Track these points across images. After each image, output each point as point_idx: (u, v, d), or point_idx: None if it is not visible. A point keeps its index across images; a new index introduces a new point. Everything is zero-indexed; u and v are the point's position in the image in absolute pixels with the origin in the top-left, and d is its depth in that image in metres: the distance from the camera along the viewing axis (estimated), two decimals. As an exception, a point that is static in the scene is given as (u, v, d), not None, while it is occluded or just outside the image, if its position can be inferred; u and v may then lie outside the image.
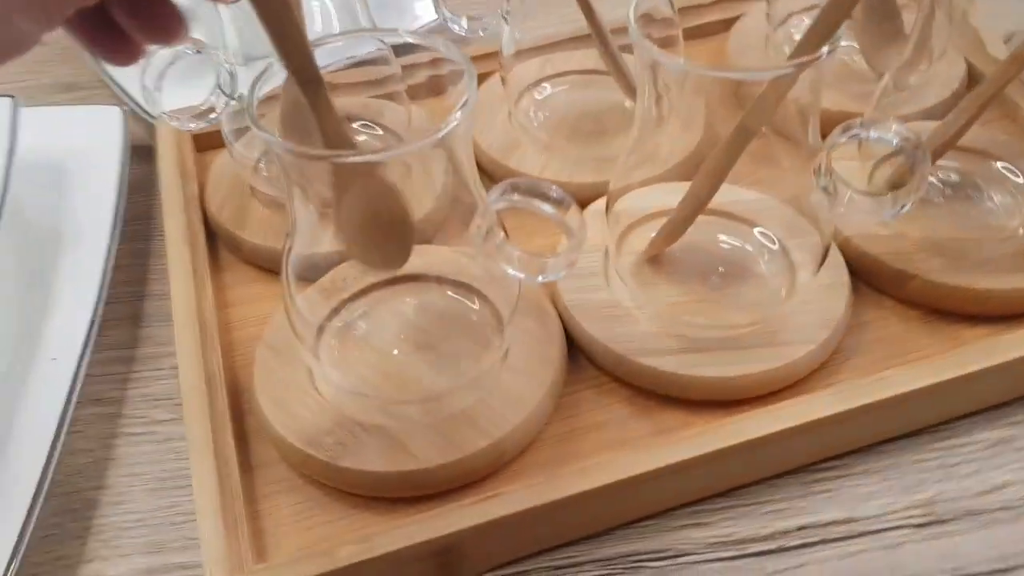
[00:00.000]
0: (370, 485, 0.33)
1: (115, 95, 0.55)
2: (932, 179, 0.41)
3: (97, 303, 0.40)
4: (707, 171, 0.34)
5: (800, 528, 0.34)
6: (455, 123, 0.28)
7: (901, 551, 0.33)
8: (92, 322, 0.40)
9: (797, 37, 0.32)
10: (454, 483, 0.33)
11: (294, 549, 0.33)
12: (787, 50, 0.51)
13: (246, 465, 0.35)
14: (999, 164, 0.42)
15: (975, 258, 0.39)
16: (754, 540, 0.34)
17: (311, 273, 0.34)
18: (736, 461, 0.34)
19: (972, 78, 0.48)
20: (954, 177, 0.42)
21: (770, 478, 0.35)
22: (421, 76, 0.49)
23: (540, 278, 0.31)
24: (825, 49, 0.29)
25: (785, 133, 0.35)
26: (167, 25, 0.25)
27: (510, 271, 0.31)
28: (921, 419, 0.36)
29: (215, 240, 0.45)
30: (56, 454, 0.35)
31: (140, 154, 0.52)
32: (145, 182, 0.51)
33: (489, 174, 0.47)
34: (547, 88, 0.48)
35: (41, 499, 0.34)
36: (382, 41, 0.41)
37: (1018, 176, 0.41)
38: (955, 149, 0.40)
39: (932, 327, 0.39)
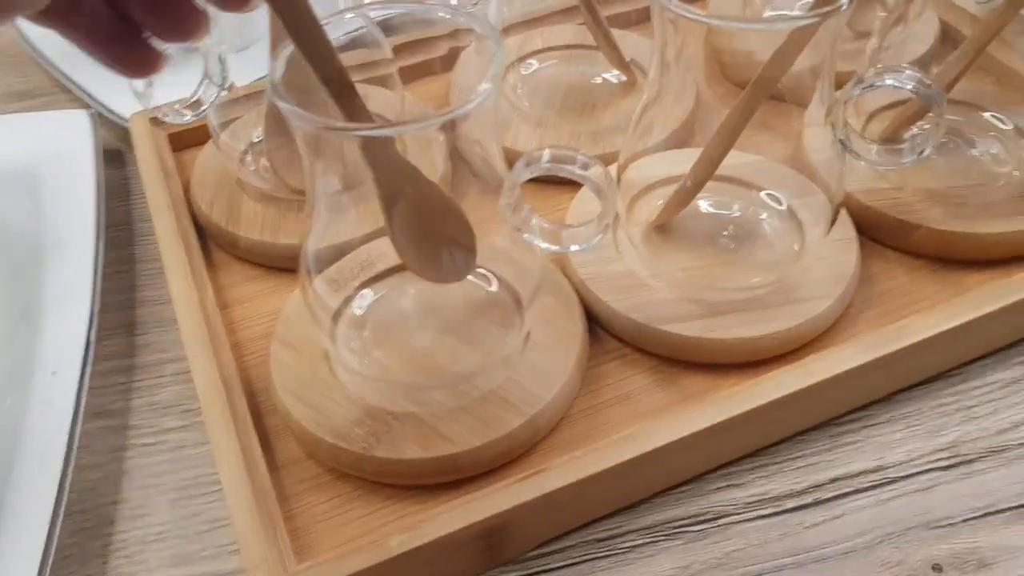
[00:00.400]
0: (408, 473, 0.33)
1: (78, 99, 0.53)
2: (917, 130, 0.42)
3: (92, 312, 0.39)
4: (722, 132, 0.34)
5: (833, 480, 0.34)
6: (486, 94, 0.27)
7: (933, 493, 0.34)
8: (90, 332, 0.38)
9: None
10: (494, 463, 0.33)
11: (334, 545, 0.32)
12: (766, 14, 0.52)
13: (272, 465, 0.34)
14: (987, 114, 0.43)
15: (975, 205, 0.40)
16: (790, 496, 0.34)
17: (332, 259, 0.33)
18: (765, 420, 0.34)
19: (945, 34, 0.49)
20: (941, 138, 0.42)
21: (798, 434, 0.36)
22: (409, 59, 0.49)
23: (573, 247, 0.31)
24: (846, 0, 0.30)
25: (793, 93, 0.35)
26: (189, 22, 0.24)
27: (541, 244, 0.31)
28: (937, 364, 0.37)
29: (205, 239, 0.44)
30: (69, 472, 0.34)
31: (109, 158, 0.50)
32: (119, 187, 0.50)
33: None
34: (533, 64, 0.48)
35: (60, 520, 0.32)
36: (367, 18, 0.40)
37: (1006, 124, 0.42)
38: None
39: (937, 275, 0.39)
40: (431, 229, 0.32)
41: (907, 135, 0.42)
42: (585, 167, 0.30)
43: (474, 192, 0.32)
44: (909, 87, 0.32)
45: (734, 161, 0.38)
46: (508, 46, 0.47)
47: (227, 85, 0.37)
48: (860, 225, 0.40)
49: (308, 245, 0.33)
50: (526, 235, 0.31)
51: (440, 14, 0.33)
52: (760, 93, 0.33)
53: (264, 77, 0.41)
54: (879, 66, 0.33)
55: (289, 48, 0.28)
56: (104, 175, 0.46)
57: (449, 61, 0.49)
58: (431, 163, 0.32)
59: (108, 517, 0.35)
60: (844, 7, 0.29)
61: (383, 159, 0.29)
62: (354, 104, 0.27)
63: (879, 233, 0.41)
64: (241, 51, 0.43)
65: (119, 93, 0.51)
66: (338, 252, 0.34)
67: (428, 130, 0.29)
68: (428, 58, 0.49)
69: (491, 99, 0.28)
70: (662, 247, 0.39)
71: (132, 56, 0.25)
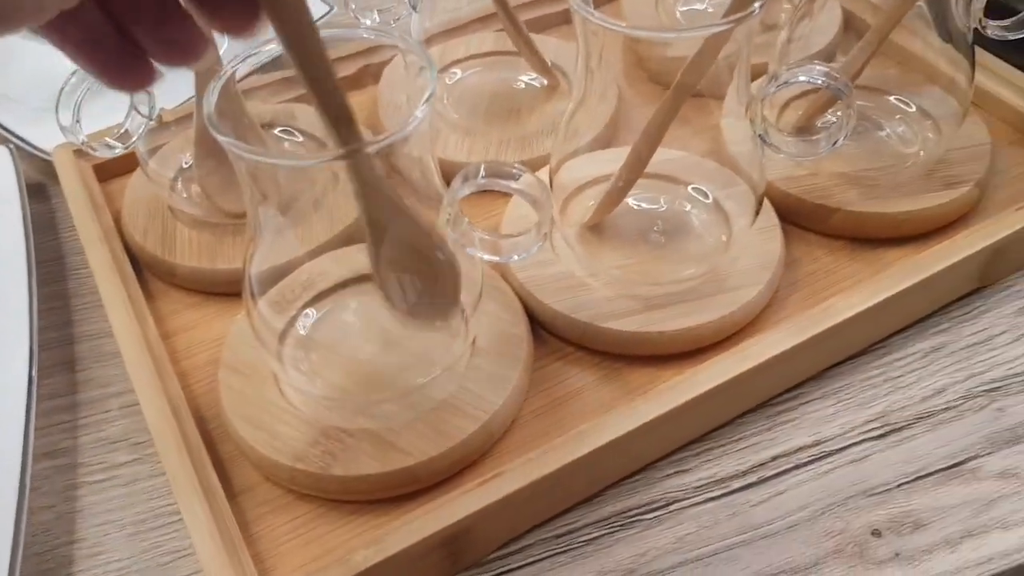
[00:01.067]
0: (367, 489, 0.33)
1: (-5, 134, 0.52)
2: (830, 116, 0.44)
3: (32, 351, 0.38)
4: (648, 131, 0.35)
5: (774, 459, 0.36)
6: (420, 118, 0.28)
7: (868, 463, 0.36)
8: (31, 370, 0.38)
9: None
10: (450, 471, 0.34)
11: (300, 565, 0.32)
12: (679, 12, 0.54)
13: (230, 492, 0.34)
14: (892, 97, 0.45)
15: (887, 185, 0.42)
16: (735, 477, 0.36)
17: (274, 280, 0.34)
18: (707, 407, 0.36)
19: (848, 23, 0.51)
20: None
21: (738, 417, 0.37)
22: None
23: (515, 257, 0.32)
24: (758, 4, 0.31)
25: (710, 88, 0.37)
26: (192, 45, 0.23)
27: (483, 255, 0.32)
28: (863, 340, 0.39)
29: (141, 269, 0.43)
30: (24, 516, 0.33)
31: (33, 192, 0.49)
32: (46, 221, 0.49)
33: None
34: (457, 73, 0.49)
35: (19, 565, 0.32)
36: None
37: (910, 106, 0.44)
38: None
39: (856, 254, 0.41)
40: (417, 267, 0.32)
41: (820, 122, 0.44)
42: (520, 180, 0.31)
43: (413, 205, 0.33)
44: (820, 82, 0.34)
45: (660, 158, 0.39)
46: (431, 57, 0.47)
47: (155, 115, 0.37)
48: (781, 211, 0.42)
49: (251, 268, 0.33)
50: (467, 248, 0.32)
51: (365, 35, 0.33)
52: (682, 95, 0.34)
53: (190, 99, 0.41)
54: (791, 62, 0.35)
55: (224, 79, 0.28)
56: (30, 210, 0.45)
57: (373, 76, 0.49)
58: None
59: (67, 558, 0.35)
60: (756, 12, 0.30)
61: (372, 187, 0.29)
62: (356, 135, 0.27)
63: (800, 218, 0.42)
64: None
65: (35, 125, 0.50)
66: (280, 273, 0.34)
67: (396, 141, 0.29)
68: (349, 73, 0.50)
69: (427, 120, 0.29)
70: (598, 246, 0.40)
71: (126, 70, 0.24)
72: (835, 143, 0.35)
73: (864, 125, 0.45)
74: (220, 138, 0.27)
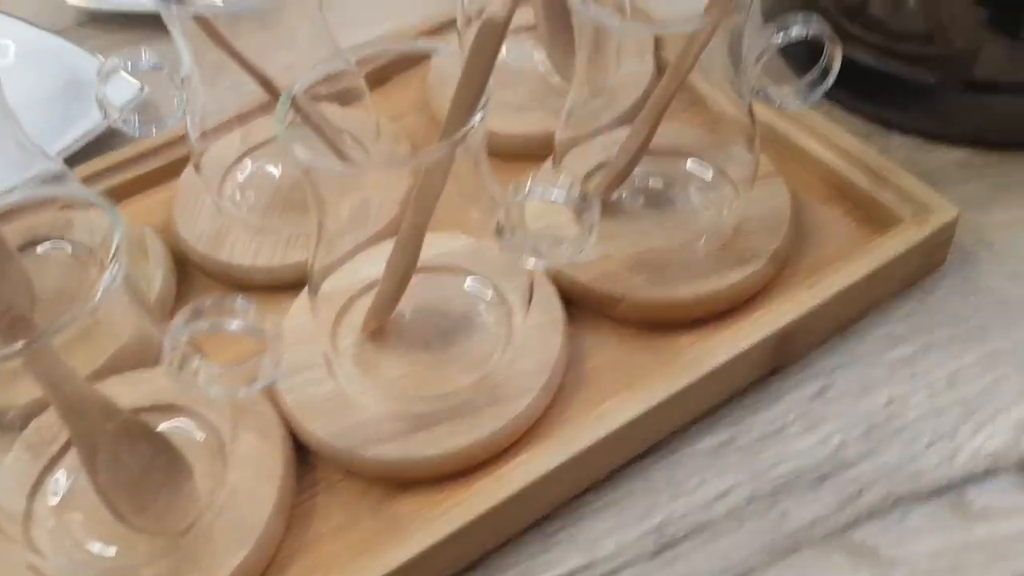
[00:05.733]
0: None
1: None
2: (625, 192, 0.42)
3: None
4: (399, 243, 0.34)
5: (549, 582, 0.35)
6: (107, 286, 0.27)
7: (641, 584, 0.34)
8: None
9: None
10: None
11: None
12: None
13: None
14: (690, 161, 0.43)
15: (677, 266, 0.40)
16: (508, 606, 0.34)
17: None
18: (480, 531, 0.34)
19: (661, 72, 0.49)
20: (651, 183, 0.42)
21: (514, 537, 0.36)
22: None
23: (247, 389, 0.30)
24: (477, 117, 0.30)
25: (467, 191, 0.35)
26: None
27: (217, 393, 0.30)
28: (649, 438, 0.37)
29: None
30: None
31: None
32: None
33: (203, 269, 0.45)
34: (248, 165, 0.46)
35: None
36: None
37: (708, 171, 0.42)
38: (648, 153, 0.40)
39: (647, 342, 0.40)
40: (143, 469, 0.31)
41: (616, 195, 0.42)
42: (245, 317, 0.30)
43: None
44: (562, 200, 0.32)
45: (438, 249, 0.37)
46: (217, 151, 0.45)
47: None
48: (572, 299, 0.40)
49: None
50: (202, 389, 0.31)
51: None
52: (428, 201, 0.32)
53: None
54: (535, 179, 0.33)
55: None
56: None
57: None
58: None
59: None
60: (475, 125, 0.29)
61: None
62: None
63: (589, 306, 0.41)
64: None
65: None
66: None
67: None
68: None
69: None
70: (375, 358, 0.38)
71: None
72: (580, 251, 0.33)
73: (663, 196, 0.42)
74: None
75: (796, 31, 0.35)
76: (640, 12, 0.50)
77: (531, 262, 0.34)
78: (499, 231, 0.34)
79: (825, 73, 0.38)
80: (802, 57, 0.43)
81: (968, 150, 0.47)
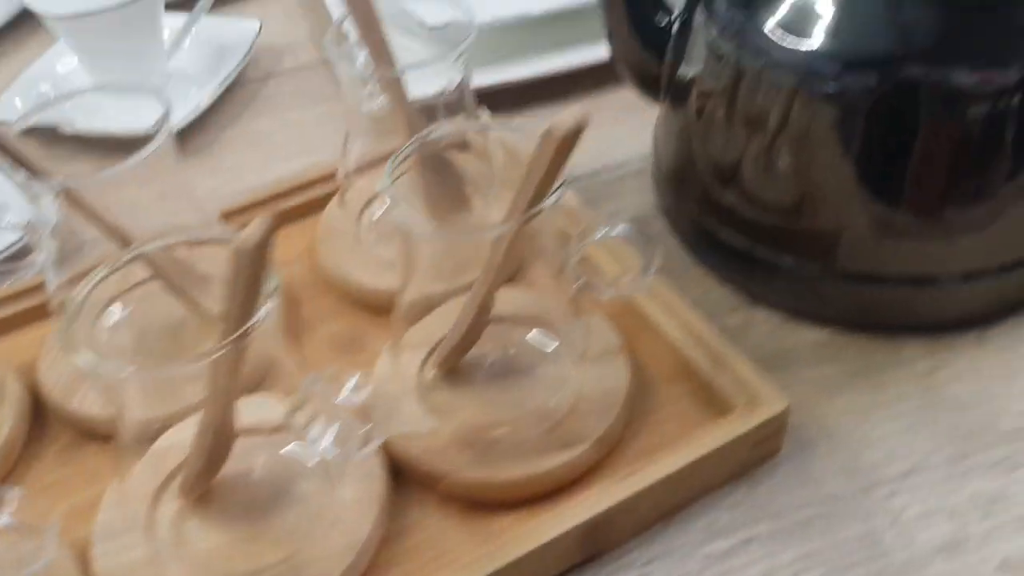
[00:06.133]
0: None
1: None
2: (466, 364, 0.42)
3: None
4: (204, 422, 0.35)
5: None
6: None
7: None
8: None
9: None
10: None
11: None
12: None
13: None
14: (533, 332, 0.43)
15: (505, 445, 0.40)
16: None
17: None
18: None
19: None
20: (492, 356, 0.43)
21: None
22: None
23: None
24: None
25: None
26: None
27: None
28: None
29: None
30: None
31: None
32: None
33: (56, 416, 0.45)
34: (115, 312, 0.47)
35: None
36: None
37: (550, 342, 0.43)
38: (494, 320, 0.41)
39: (467, 522, 0.40)
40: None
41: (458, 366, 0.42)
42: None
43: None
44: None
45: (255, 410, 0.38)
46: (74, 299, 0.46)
47: None
48: (400, 470, 0.41)
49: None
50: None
51: None
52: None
53: None
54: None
55: None
56: None
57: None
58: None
59: None
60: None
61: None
62: None
63: (414, 480, 0.41)
64: None
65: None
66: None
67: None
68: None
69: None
70: (194, 524, 0.39)
71: None
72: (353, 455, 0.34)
73: (499, 369, 0.43)
74: None
75: (601, 234, 0.36)
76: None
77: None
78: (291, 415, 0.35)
79: (647, 269, 0.38)
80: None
81: (830, 330, 0.47)
